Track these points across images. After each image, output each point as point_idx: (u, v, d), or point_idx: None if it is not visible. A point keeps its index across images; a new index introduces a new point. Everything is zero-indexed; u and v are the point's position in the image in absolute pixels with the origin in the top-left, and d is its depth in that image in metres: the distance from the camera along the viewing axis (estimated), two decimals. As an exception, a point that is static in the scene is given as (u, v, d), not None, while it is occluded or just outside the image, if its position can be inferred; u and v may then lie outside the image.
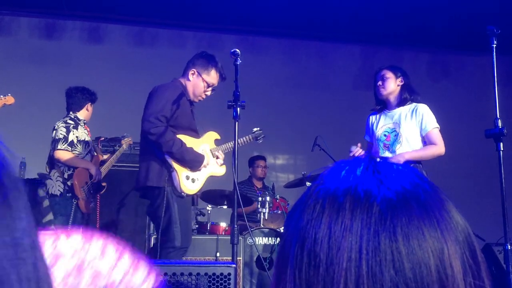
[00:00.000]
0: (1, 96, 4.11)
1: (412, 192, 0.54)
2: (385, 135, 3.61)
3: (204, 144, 3.53)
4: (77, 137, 4.30)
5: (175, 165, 3.32)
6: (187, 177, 3.34)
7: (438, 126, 3.56)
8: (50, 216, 4.52)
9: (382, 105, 3.73)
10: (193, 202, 3.64)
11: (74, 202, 4.18)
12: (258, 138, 3.94)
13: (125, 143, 4.81)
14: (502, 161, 2.85)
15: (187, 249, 3.32)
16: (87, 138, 4.41)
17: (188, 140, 3.39)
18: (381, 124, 3.68)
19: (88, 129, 4.52)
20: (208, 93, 3.50)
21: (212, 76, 3.49)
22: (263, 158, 6.14)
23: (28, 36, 6.97)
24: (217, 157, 3.54)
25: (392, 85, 3.65)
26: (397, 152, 3.50)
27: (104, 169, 4.49)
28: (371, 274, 0.50)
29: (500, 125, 2.86)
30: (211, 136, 3.63)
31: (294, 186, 5.50)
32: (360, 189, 0.54)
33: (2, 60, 6.72)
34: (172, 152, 3.27)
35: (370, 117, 3.82)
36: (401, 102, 3.63)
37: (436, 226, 0.52)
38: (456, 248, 0.52)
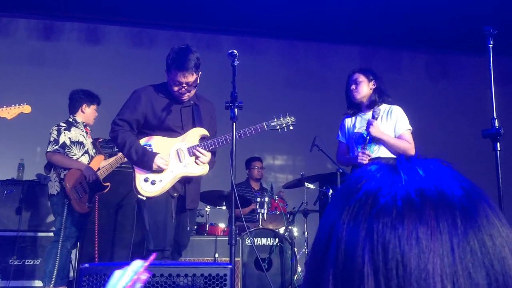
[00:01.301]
0: (18, 104, 4.18)
1: (474, 188, 0.55)
2: (362, 137, 3.65)
3: (181, 143, 3.30)
4: (70, 138, 4.31)
5: (135, 168, 3.29)
6: (146, 179, 3.22)
7: (410, 128, 3.64)
8: (52, 217, 4.52)
9: (355, 108, 3.80)
10: (183, 203, 3.37)
11: (66, 203, 4.18)
12: (289, 125, 3.55)
13: None
14: (499, 161, 2.85)
15: (164, 251, 3.18)
16: (83, 140, 4.40)
17: (157, 140, 3.30)
18: (358, 127, 3.75)
19: (88, 130, 4.52)
20: (182, 90, 3.27)
21: (173, 74, 3.25)
22: (259, 159, 6.14)
23: (26, 37, 6.98)
24: (196, 156, 3.27)
25: (365, 89, 3.72)
26: (374, 153, 3.55)
27: (105, 170, 4.44)
28: (466, 275, 0.49)
29: (497, 125, 2.86)
30: (195, 133, 3.35)
31: (293, 186, 5.50)
32: (432, 189, 0.54)
33: (0, 61, 6.73)
34: (124, 154, 3.38)
35: (345, 120, 3.88)
36: (371, 104, 3.70)
37: (502, 218, 0.54)
38: None
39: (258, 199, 5.07)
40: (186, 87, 3.27)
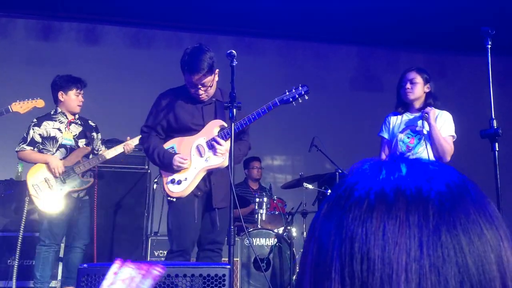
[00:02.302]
0: (31, 99, 4.19)
1: (462, 186, 0.53)
2: (408, 137, 3.62)
3: (200, 138, 3.33)
4: (40, 134, 4.14)
5: (161, 171, 3.39)
6: (173, 180, 3.29)
7: (455, 135, 3.59)
8: None
9: (404, 107, 3.73)
10: (211, 202, 3.38)
11: (26, 199, 4.02)
12: (302, 94, 3.34)
13: (126, 146, 4.39)
14: (497, 162, 2.86)
15: (183, 252, 3.22)
16: (56, 133, 4.17)
17: (179, 141, 3.36)
18: (404, 126, 3.68)
19: (68, 122, 4.27)
20: (199, 92, 3.29)
21: (187, 76, 3.28)
22: (258, 159, 6.14)
23: (25, 37, 6.97)
24: (214, 148, 3.26)
25: (420, 90, 3.65)
26: (418, 154, 3.53)
27: (87, 165, 4.17)
28: (434, 272, 0.47)
29: (495, 125, 2.87)
30: (213, 125, 3.35)
31: (292, 187, 5.50)
32: (410, 186, 0.52)
33: (-1, 61, 6.72)
34: (150, 160, 3.51)
35: (391, 117, 3.80)
36: (424, 107, 3.64)
37: (491, 221, 0.51)
38: (510, 244, 0.51)
39: (257, 200, 5.07)
40: (202, 88, 3.29)
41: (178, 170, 3.29)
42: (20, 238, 4.12)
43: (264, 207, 5.06)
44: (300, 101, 3.34)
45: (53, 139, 4.18)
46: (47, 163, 4.06)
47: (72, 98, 4.27)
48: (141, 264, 1.03)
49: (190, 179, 3.29)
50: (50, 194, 4.06)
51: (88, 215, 4.30)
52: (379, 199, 0.51)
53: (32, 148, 4.13)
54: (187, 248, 3.25)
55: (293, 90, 3.33)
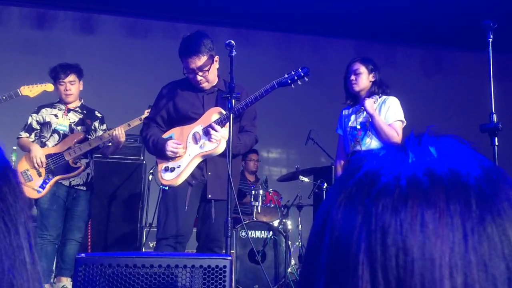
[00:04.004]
0: (41, 83, 4.18)
1: (495, 168, 0.48)
2: (356, 129, 3.61)
3: (197, 126, 3.29)
4: (37, 120, 4.17)
5: (157, 160, 3.37)
6: (166, 168, 3.26)
7: (403, 120, 3.55)
8: None
9: (354, 99, 3.72)
10: (204, 191, 3.28)
11: None
12: (301, 76, 3.20)
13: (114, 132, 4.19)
14: (496, 156, 2.85)
15: (168, 239, 3.14)
16: (51, 119, 4.16)
17: (177, 130, 3.35)
18: (353, 119, 3.68)
19: (65, 109, 4.24)
20: (197, 77, 3.25)
21: (183, 62, 3.26)
22: (255, 152, 6.12)
23: (19, 26, 6.90)
24: (209, 134, 3.20)
25: (365, 81, 3.63)
26: (366, 145, 3.51)
27: (77, 150, 4.10)
28: (481, 267, 0.43)
29: (495, 120, 2.86)
30: (210, 113, 3.30)
31: (287, 180, 5.49)
32: (445, 170, 0.46)
33: (-7, 50, 6.65)
34: (147, 149, 3.50)
35: (343, 111, 3.83)
36: (369, 96, 3.62)
37: None
38: None
39: (253, 192, 5.06)
40: (199, 73, 3.24)
41: (172, 157, 3.25)
42: None
43: (259, 199, 5.04)
44: (300, 83, 3.20)
45: (48, 124, 4.16)
46: (30, 152, 4.03)
47: (58, 88, 4.23)
48: None
49: (183, 166, 3.24)
50: (37, 182, 4.01)
51: (85, 208, 4.17)
52: (412, 185, 0.46)
53: (28, 135, 4.14)
54: (171, 235, 3.14)
55: (292, 72, 3.21)
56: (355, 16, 6.99)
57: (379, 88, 3.64)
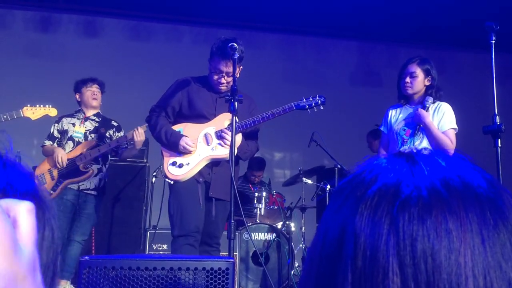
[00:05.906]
0: (44, 105, 4.24)
1: (495, 181, 0.53)
2: (404, 129, 3.51)
3: (209, 127, 3.36)
4: (58, 129, 4.34)
5: (164, 152, 3.39)
6: (174, 163, 3.30)
7: (456, 127, 3.44)
8: None
9: (405, 100, 3.61)
10: (207, 189, 3.33)
11: None
12: (318, 104, 3.42)
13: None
14: (499, 158, 2.85)
15: (187, 236, 3.16)
16: (68, 127, 4.33)
17: (188, 127, 3.39)
18: (402, 119, 3.57)
19: (83, 118, 4.41)
20: (222, 80, 3.33)
21: (215, 61, 3.31)
22: (262, 169, 5.94)
23: (23, 29, 6.93)
24: (224, 138, 3.28)
25: (420, 85, 3.50)
26: (416, 146, 3.44)
27: (87, 156, 4.20)
28: (498, 268, 0.47)
29: (498, 121, 2.85)
30: (224, 117, 3.38)
31: (291, 183, 5.49)
32: (457, 179, 0.51)
33: (-3, 53, 6.67)
34: (154, 136, 3.46)
35: (390, 110, 3.69)
36: (422, 101, 3.51)
37: None
38: None
39: (256, 194, 5.06)
40: (226, 77, 3.33)
41: (182, 152, 3.30)
42: None
43: (263, 201, 5.05)
44: (316, 110, 3.41)
45: (65, 132, 4.32)
46: (54, 153, 4.17)
47: (85, 93, 4.41)
48: None
49: (192, 164, 3.29)
50: (49, 185, 4.11)
51: (92, 212, 4.25)
52: (433, 196, 0.50)
53: (52, 143, 4.31)
54: (190, 231, 3.16)
55: (311, 99, 3.41)
56: (358, 17, 6.99)
57: (434, 92, 3.50)
